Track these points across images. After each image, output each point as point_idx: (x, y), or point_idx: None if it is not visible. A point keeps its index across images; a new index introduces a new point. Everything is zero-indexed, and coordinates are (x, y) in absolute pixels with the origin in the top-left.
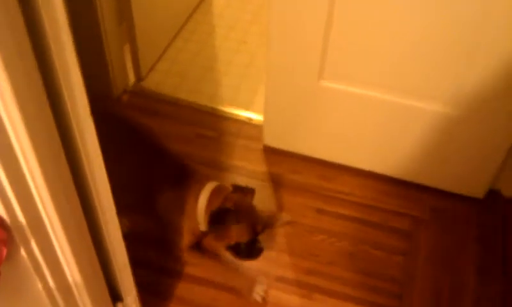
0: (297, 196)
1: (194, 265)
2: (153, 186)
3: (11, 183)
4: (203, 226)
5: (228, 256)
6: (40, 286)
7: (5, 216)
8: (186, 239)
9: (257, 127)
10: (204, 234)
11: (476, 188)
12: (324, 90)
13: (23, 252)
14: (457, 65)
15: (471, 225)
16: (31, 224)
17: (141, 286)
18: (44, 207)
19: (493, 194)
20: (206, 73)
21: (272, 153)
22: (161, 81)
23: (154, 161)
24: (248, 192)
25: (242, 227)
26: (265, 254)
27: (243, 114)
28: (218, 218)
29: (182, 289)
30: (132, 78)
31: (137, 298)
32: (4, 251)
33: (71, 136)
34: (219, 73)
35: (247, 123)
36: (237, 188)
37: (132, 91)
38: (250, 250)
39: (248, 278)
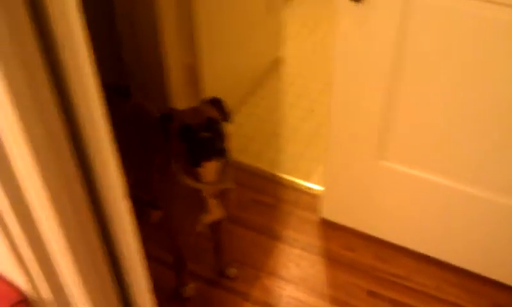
0: (350, 275)
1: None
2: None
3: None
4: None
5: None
6: None
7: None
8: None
9: (316, 198)
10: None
11: None
12: (383, 170)
13: None
14: None
15: None
16: None
17: None
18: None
19: None
20: (271, 139)
21: (328, 227)
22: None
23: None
24: None
25: None
26: None
27: (303, 183)
28: None
29: None
30: None
31: None
32: None
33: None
34: (284, 140)
35: (306, 192)
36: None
37: None
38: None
39: None
